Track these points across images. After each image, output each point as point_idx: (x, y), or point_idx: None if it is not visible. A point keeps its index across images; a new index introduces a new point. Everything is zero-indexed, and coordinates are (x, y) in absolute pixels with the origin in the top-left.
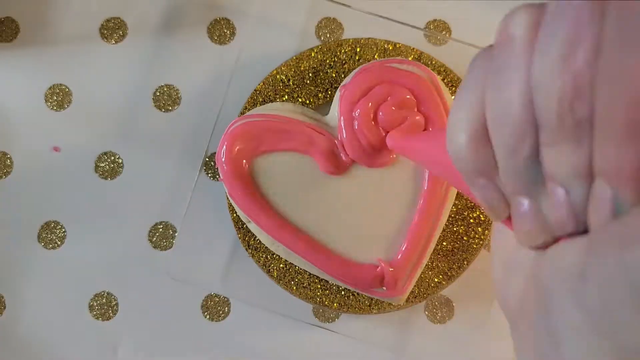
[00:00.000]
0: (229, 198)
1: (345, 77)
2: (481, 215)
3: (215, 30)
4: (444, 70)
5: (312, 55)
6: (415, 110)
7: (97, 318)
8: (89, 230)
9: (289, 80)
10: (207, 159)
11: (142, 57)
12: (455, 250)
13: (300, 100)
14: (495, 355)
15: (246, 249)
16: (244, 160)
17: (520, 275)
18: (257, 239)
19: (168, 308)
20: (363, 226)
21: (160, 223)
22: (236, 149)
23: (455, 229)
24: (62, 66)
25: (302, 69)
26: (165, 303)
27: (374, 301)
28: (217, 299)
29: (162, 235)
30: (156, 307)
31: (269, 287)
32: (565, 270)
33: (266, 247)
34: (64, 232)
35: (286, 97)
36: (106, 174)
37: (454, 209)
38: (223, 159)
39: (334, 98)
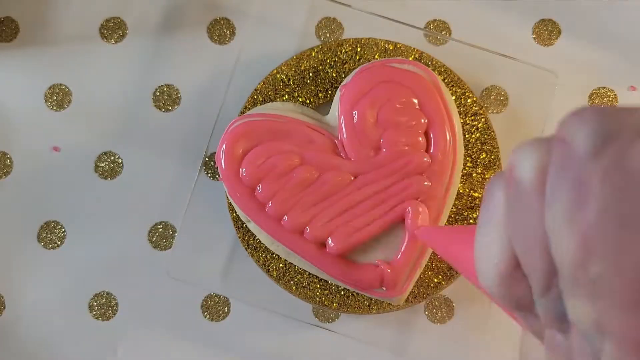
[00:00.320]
0: (229, 198)
1: (345, 76)
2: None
3: (215, 30)
4: (445, 70)
5: (313, 55)
6: (417, 109)
7: (97, 318)
8: (88, 230)
9: (289, 79)
10: (207, 159)
11: (142, 57)
12: None
13: (300, 99)
14: (495, 356)
15: (246, 249)
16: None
17: None
18: (257, 239)
19: (168, 308)
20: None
21: (160, 223)
22: (236, 149)
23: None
24: (61, 66)
25: (302, 68)
26: (165, 303)
27: (373, 301)
28: (217, 299)
29: (161, 235)
30: (156, 307)
31: (268, 287)
32: None
33: (266, 247)
34: (63, 232)
35: (286, 96)
36: (106, 173)
37: (454, 209)
38: (222, 159)
39: (334, 98)
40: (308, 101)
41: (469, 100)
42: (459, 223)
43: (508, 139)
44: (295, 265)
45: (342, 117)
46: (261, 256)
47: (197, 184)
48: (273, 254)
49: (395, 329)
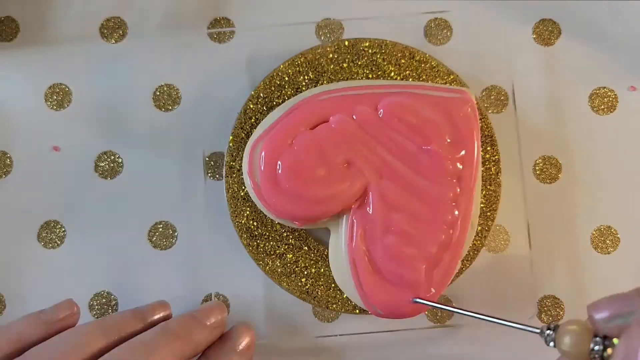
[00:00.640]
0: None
1: (346, 77)
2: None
3: (216, 29)
4: (445, 70)
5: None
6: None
7: (97, 317)
8: (88, 229)
9: (289, 79)
10: (207, 159)
11: (142, 56)
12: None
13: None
14: (495, 356)
15: (246, 249)
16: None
17: None
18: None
19: None
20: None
21: (160, 222)
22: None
23: None
24: (62, 65)
25: (303, 67)
26: None
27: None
28: (217, 299)
29: (162, 235)
30: None
31: (268, 287)
32: None
33: (266, 247)
34: (63, 231)
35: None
36: (106, 173)
37: None
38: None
39: None
40: None
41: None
42: None
43: (508, 139)
44: (295, 266)
45: None
46: (261, 256)
47: (198, 183)
48: (273, 254)
49: (395, 328)
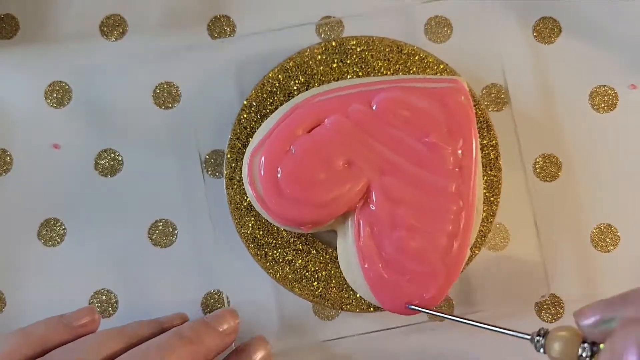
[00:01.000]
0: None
1: (347, 75)
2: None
3: (216, 27)
4: (445, 69)
5: (313, 52)
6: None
7: None
8: (89, 227)
9: (280, 85)
10: (207, 157)
11: (142, 54)
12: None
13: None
14: (495, 356)
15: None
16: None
17: None
18: (257, 239)
19: (168, 306)
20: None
21: (160, 220)
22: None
23: None
24: (62, 63)
25: (303, 66)
26: (165, 301)
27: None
28: (217, 297)
29: (162, 233)
30: (156, 305)
31: (268, 285)
32: None
33: (274, 255)
34: (63, 229)
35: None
36: (106, 171)
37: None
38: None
39: None
40: None
41: None
42: None
43: (508, 138)
44: (295, 264)
45: None
46: (261, 254)
47: (198, 181)
48: (273, 252)
49: (395, 326)
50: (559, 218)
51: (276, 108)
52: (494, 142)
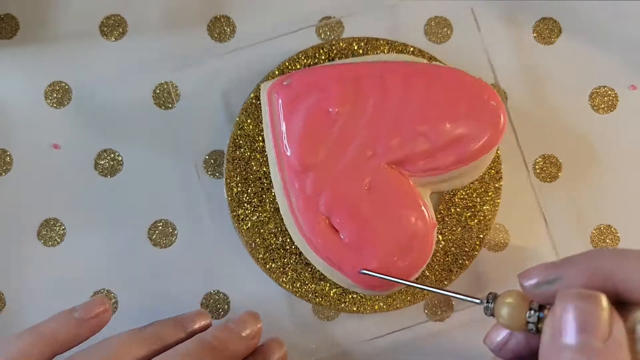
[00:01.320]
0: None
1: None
2: (480, 214)
3: (216, 27)
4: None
5: (313, 53)
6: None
7: None
8: (88, 227)
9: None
10: (207, 157)
11: (142, 54)
12: (455, 249)
13: None
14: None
15: (246, 247)
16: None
17: None
18: (256, 239)
19: (168, 306)
20: None
21: (160, 221)
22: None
23: (455, 229)
24: (62, 63)
25: (303, 66)
26: (164, 301)
27: (373, 301)
28: (217, 297)
29: (161, 233)
30: (155, 305)
31: (268, 285)
32: None
33: (266, 245)
34: (63, 229)
35: None
36: (106, 171)
37: (454, 210)
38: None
39: None
40: None
41: None
42: (459, 223)
43: (508, 138)
44: (295, 265)
45: None
46: (261, 255)
47: (197, 182)
48: (273, 252)
49: (395, 328)
50: (558, 219)
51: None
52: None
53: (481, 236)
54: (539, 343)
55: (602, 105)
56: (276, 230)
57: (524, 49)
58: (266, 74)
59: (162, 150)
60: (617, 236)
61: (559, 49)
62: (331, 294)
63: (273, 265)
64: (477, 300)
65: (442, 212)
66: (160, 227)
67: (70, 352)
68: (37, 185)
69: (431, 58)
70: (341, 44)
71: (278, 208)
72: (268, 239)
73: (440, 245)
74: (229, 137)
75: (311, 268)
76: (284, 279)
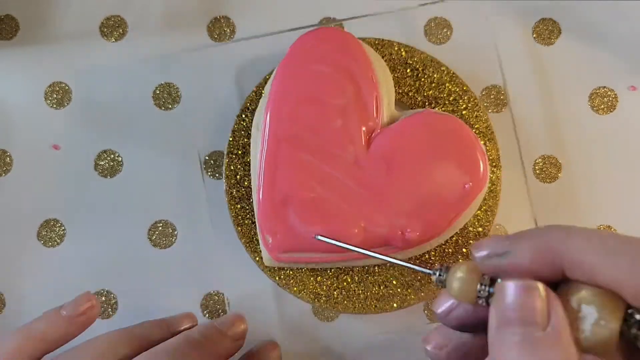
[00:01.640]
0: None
1: None
2: (479, 213)
3: (216, 28)
4: (444, 69)
5: None
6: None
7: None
8: (88, 228)
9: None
10: (206, 158)
11: (142, 55)
12: (455, 249)
13: None
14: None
15: (245, 248)
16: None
17: None
18: (257, 239)
19: (168, 307)
20: None
21: (160, 221)
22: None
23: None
24: (62, 64)
25: None
26: (164, 302)
27: (373, 301)
28: (217, 298)
29: (161, 234)
30: (156, 306)
31: (268, 286)
32: None
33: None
34: (63, 230)
35: None
36: (106, 172)
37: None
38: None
39: None
40: None
41: (466, 97)
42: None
43: (508, 139)
44: (295, 265)
45: None
46: (261, 255)
47: (198, 182)
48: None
49: (395, 328)
50: (558, 219)
51: None
52: (493, 143)
53: (481, 236)
54: (484, 313)
55: (602, 106)
56: None
57: (524, 50)
58: (265, 75)
59: (162, 150)
60: None
61: (558, 50)
62: (331, 295)
63: (273, 266)
64: (430, 271)
65: None
66: (160, 228)
67: (59, 350)
68: (37, 186)
69: (432, 60)
70: None
71: None
72: None
73: (441, 245)
74: (228, 138)
75: (311, 268)
76: (284, 279)
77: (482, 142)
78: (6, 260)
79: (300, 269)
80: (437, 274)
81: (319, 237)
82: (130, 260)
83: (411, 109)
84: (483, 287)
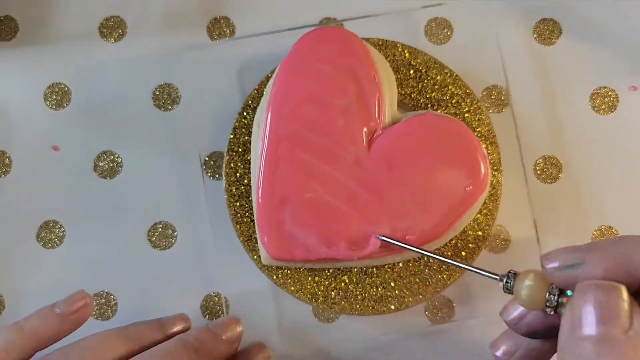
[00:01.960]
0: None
1: None
2: (479, 216)
3: (215, 28)
4: (445, 70)
5: None
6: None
7: (97, 318)
8: (88, 229)
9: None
10: (206, 158)
11: (142, 56)
12: (455, 252)
13: None
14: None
15: (245, 249)
16: None
17: None
18: (255, 237)
19: (167, 308)
20: None
21: (160, 222)
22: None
23: None
24: (61, 65)
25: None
26: (164, 303)
27: (370, 302)
28: (217, 299)
29: (161, 235)
30: (155, 307)
31: (268, 287)
32: None
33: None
34: (63, 231)
35: None
36: (105, 173)
37: None
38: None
39: None
40: None
41: (468, 100)
42: None
43: (509, 139)
44: (294, 266)
45: None
46: (259, 254)
47: (197, 183)
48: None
49: (396, 329)
50: (559, 220)
51: None
52: (494, 143)
53: (482, 238)
54: (555, 320)
55: (603, 106)
56: None
57: (525, 50)
58: (265, 76)
59: (161, 151)
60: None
61: (559, 50)
62: (332, 296)
63: (273, 267)
64: (497, 277)
65: None
66: (160, 229)
67: (51, 347)
68: (37, 187)
69: (435, 62)
70: None
71: None
72: None
73: (442, 246)
74: (228, 138)
75: (309, 269)
76: (282, 279)
77: (484, 146)
78: (5, 261)
79: (299, 268)
80: (505, 280)
81: (381, 238)
82: (130, 261)
83: (413, 110)
84: (552, 296)
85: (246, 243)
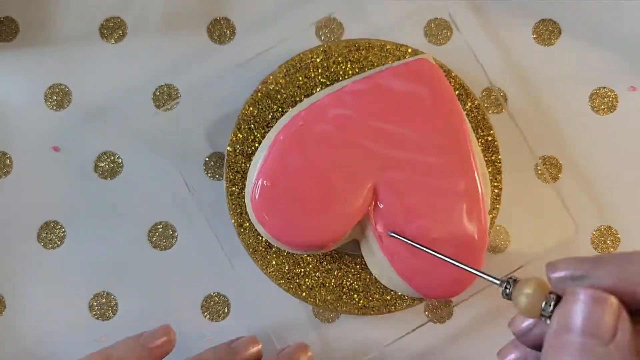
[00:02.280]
0: None
1: (346, 76)
2: None
3: (215, 29)
4: (445, 70)
5: (313, 54)
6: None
7: (97, 318)
8: (88, 230)
9: (290, 79)
10: (206, 159)
11: (142, 56)
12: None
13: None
14: (495, 356)
15: (246, 249)
16: None
17: None
18: (256, 239)
19: (168, 308)
20: None
21: (160, 223)
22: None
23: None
24: (61, 66)
25: (303, 69)
26: (165, 303)
27: (373, 302)
28: (217, 299)
29: (161, 235)
30: (156, 307)
31: (268, 287)
32: None
33: (265, 248)
34: (63, 232)
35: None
36: (106, 173)
37: None
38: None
39: None
40: None
41: (469, 101)
42: None
43: (509, 139)
44: (294, 266)
45: None
46: (261, 257)
47: (198, 184)
48: (272, 254)
49: (396, 329)
50: (559, 220)
51: (277, 110)
52: (494, 144)
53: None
54: None
55: (602, 107)
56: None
57: (524, 51)
58: (266, 76)
59: (162, 152)
60: (618, 237)
61: (558, 50)
62: (331, 296)
63: (273, 267)
64: (497, 282)
65: None
66: (161, 229)
67: None
68: (37, 188)
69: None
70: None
71: None
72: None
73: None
74: (228, 139)
75: (311, 269)
76: (284, 280)
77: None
78: (6, 262)
79: (299, 269)
80: (504, 286)
81: (392, 234)
82: (131, 261)
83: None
84: (548, 305)
85: (247, 249)
